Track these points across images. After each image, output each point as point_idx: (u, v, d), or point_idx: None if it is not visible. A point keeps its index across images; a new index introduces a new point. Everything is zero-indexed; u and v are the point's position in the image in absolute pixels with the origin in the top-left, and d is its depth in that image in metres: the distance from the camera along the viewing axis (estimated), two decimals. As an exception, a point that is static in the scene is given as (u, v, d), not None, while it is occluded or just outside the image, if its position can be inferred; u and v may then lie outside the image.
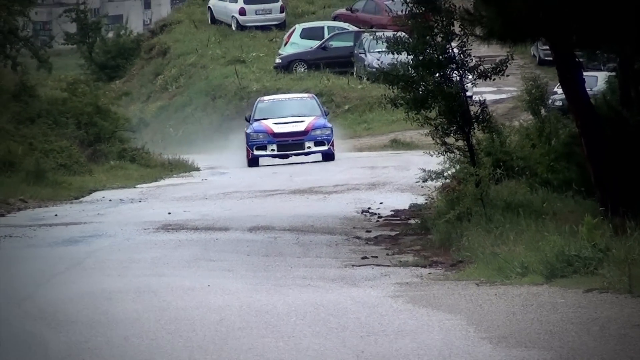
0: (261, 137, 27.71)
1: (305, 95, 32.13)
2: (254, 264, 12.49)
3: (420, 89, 13.64)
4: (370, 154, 31.07)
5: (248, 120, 28.65)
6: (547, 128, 14.23)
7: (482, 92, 15.09)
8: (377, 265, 12.19)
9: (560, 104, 17.87)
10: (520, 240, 11.55)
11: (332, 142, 27.54)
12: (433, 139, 13.90)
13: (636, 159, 11.47)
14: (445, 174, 13.95)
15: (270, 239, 14.61)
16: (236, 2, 39.51)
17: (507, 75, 14.42)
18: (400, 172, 22.60)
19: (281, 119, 28.25)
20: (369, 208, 17.49)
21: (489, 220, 12.48)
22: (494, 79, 14.14)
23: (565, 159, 13.38)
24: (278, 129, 27.61)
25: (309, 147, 27.45)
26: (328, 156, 27.46)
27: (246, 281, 11.03)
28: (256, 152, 27.60)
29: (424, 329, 8.08)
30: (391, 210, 17.12)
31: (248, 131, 27.99)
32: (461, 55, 13.63)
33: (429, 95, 13.53)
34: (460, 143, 13.84)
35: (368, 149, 32.39)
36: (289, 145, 27.71)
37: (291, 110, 29.03)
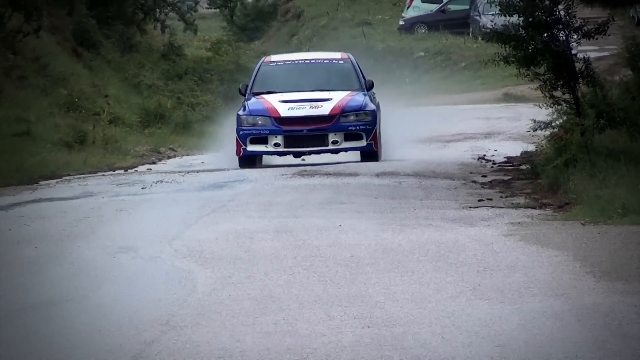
0: (260, 122, 15.61)
1: (338, 55, 18.33)
2: (381, 206, 12.46)
3: (529, 48, 13.88)
4: (483, 106, 29.78)
5: (242, 93, 16.63)
6: (646, 82, 16.56)
7: (585, 50, 14.69)
8: (492, 207, 12.05)
9: (657, 60, 19.47)
10: (622, 184, 11.60)
11: (375, 133, 15.83)
12: (542, 93, 14.06)
13: None
14: (553, 124, 14.09)
15: (396, 183, 14.54)
16: (362, -28, 44.71)
17: (609, 35, 14.43)
18: (512, 122, 22.51)
19: (294, 94, 16.22)
20: (484, 155, 17.68)
21: (592, 166, 12.57)
22: (597, 39, 14.36)
23: (663, 110, 15.50)
24: (287, 111, 15.62)
25: (335, 142, 15.50)
26: (368, 155, 15.78)
27: (374, 222, 11.00)
28: (251, 147, 15.78)
29: (535, 264, 8.05)
30: (504, 157, 17.20)
31: (240, 112, 16.15)
32: (567, 17, 13.85)
33: (537, 53, 13.79)
34: (567, 96, 13.99)
35: (482, 102, 31.24)
36: (304, 138, 15.64)
37: (313, 79, 16.59)
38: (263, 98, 15.90)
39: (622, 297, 6.60)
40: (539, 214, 11.48)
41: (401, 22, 38.64)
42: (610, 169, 12.23)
